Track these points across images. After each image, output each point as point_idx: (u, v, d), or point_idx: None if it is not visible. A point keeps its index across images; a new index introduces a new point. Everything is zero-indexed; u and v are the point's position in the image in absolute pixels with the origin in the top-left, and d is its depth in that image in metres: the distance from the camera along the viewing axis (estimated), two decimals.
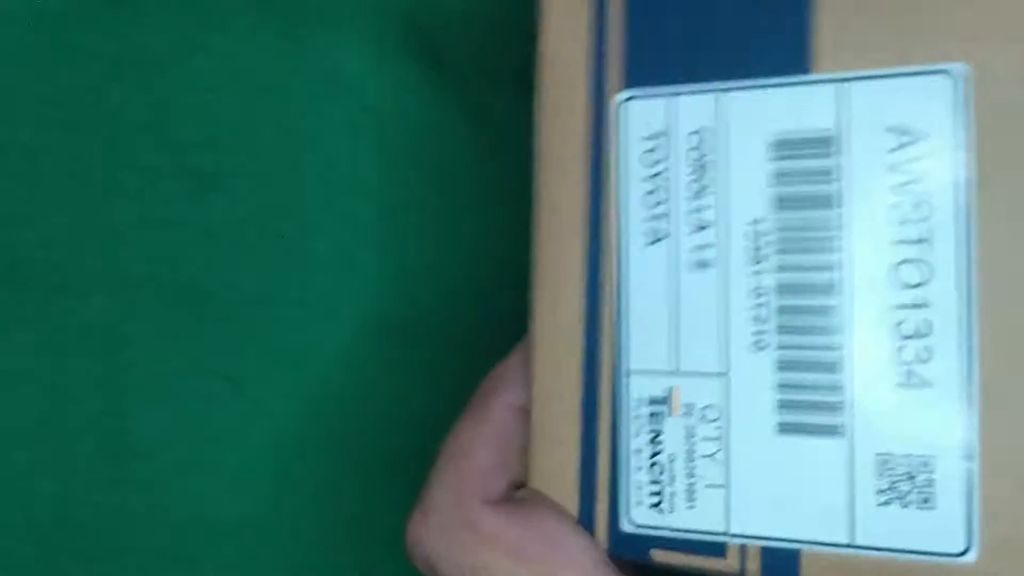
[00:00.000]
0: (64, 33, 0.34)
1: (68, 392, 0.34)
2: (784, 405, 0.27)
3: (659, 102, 0.28)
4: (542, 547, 0.28)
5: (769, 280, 0.27)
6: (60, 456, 0.34)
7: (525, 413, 0.30)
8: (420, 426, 0.39)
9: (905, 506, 0.26)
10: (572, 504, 0.29)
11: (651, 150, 0.28)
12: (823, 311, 0.27)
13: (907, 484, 0.26)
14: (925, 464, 0.26)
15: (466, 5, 0.40)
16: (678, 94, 0.28)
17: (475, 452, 0.30)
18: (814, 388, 0.27)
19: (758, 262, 0.27)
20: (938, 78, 0.25)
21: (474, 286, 0.41)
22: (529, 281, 0.30)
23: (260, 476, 0.37)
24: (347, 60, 0.38)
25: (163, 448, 0.35)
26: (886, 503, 0.26)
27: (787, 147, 0.27)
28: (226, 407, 0.36)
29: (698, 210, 0.28)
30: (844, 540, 0.27)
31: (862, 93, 0.26)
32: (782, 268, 0.27)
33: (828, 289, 0.27)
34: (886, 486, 0.26)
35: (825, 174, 0.26)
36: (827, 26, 0.26)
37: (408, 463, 0.39)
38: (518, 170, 0.41)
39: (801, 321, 0.27)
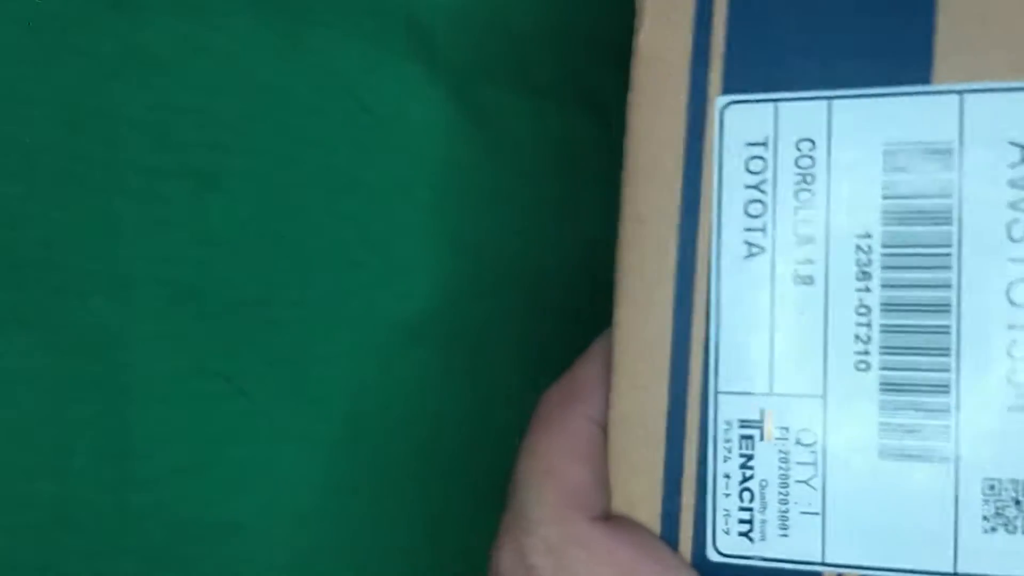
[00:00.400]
0: (63, 32, 0.33)
1: (67, 392, 0.33)
2: (886, 429, 0.26)
3: (765, 107, 0.27)
4: (655, 567, 0.27)
5: (875, 298, 0.26)
6: (59, 456, 0.33)
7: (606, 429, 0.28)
8: (421, 427, 0.39)
9: (1011, 532, 0.25)
10: (654, 531, 0.28)
11: (754, 157, 0.27)
12: (931, 331, 0.26)
13: (1014, 509, 0.25)
14: None
15: (466, 4, 0.40)
16: (786, 100, 0.27)
17: (572, 467, 0.28)
18: (919, 411, 0.26)
19: (864, 279, 0.26)
20: None
21: (475, 286, 0.40)
22: (613, 295, 0.28)
23: (259, 477, 0.36)
24: (347, 60, 0.37)
25: (162, 448, 0.34)
26: (992, 529, 0.25)
27: (903, 159, 0.26)
28: (225, 407, 0.35)
29: (802, 222, 0.27)
30: (947, 569, 0.26)
31: (983, 105, 0.25)
32: (890, 285, 0.26)
33: (938, 308, 0.26)
34: (992, 512, 0.25)
35: (942, 188, 0.26)
36: (948, 35, 0.26)
37: (410, 464, 0.39)
38: (518, 169, 0.40)
39: (908, 341, 0.26)
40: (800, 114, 0.27)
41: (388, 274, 0.38)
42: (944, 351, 0.26)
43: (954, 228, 0.25)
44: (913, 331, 0.26)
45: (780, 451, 0.27)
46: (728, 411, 0.27)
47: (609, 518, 0.28)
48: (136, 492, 0.34)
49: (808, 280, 0.26)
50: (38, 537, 0.33)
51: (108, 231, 0.33)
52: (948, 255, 0.26)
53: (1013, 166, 0.25)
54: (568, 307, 0.42)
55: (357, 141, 0.38)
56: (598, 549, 0.27)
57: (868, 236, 0.26)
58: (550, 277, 0.41)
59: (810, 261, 0.26)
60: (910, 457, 0.26)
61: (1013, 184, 0.25)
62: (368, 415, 0.38)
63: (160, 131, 0.34)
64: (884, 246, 0.26)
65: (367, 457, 0.38)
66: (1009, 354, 0.25)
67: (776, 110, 0.27)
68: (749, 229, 0.27)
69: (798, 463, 0.27)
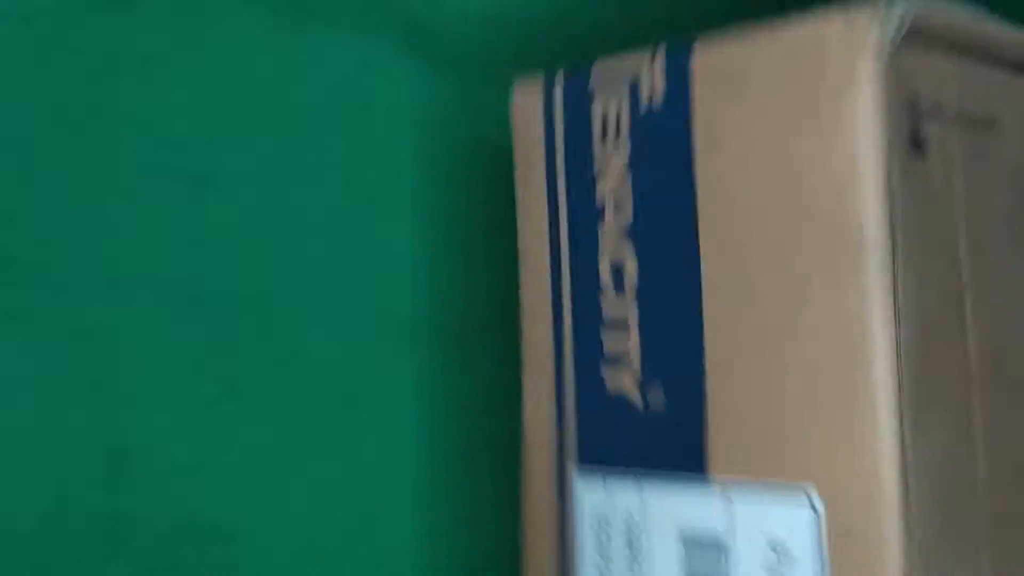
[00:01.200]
0: (58, 30, 0.32)
1: (62, 394, 0.32)
2: None
3: (599, 481, 0.32)
4: None
5: None
6: (53, 459, 0.32)
7: None
8: (418, 427, 0.39)
9: None
10: None
11: (599, 522, 0.32)
12: None
13: None
14: None
15: (465, 1, 0.41)
16: (612, 475, 0.32)
17: None
18: None
19: None
20: (799, 496, 0.28)
21: (473, 286, 0.41)
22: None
23: (255, 480, 0.36)
24: (344, 57, 0.38)
25: (157, 451, 0.34)
26: None
27: (691, 544, 0.30)
28: (221, 410, 0.35)
29: None
30: None
31: (745, 502, 0.29)
32: None
33: None
34: None
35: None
36: (718, 434, 0.30)
37: (407, 466, 0.39)
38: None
39: None
40: (622, 489, 0.31)
41: (386, 274, 0.38)
42: None
43: None
44: None
45: None
46: None
47: None
48: (130, 495, 0.33)
49: None
50: (30, 541, 0.32)
51: (103, 231, 0.33)
52: None
53: (769, 567, 0.29)
54: None
55: (355, 139, 0.38)
56: None
57: None
58: None
59: None
60: None
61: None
62: (365, 416, 0.38)
63: (155, 129, 0.34)
64: None
65: (364, 460, 0.38)
66: None
67: (607, 484, 0.32)
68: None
69: None
